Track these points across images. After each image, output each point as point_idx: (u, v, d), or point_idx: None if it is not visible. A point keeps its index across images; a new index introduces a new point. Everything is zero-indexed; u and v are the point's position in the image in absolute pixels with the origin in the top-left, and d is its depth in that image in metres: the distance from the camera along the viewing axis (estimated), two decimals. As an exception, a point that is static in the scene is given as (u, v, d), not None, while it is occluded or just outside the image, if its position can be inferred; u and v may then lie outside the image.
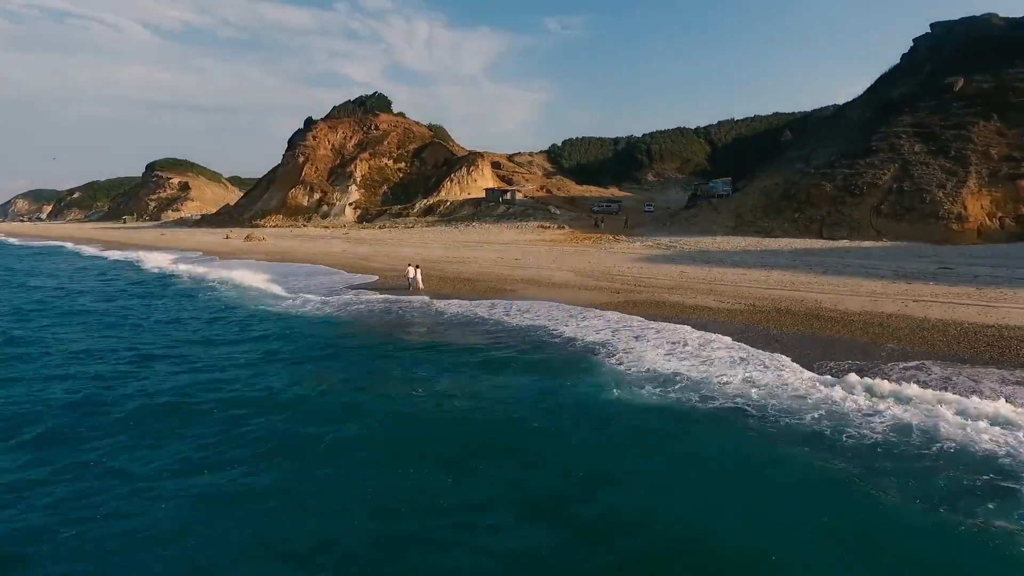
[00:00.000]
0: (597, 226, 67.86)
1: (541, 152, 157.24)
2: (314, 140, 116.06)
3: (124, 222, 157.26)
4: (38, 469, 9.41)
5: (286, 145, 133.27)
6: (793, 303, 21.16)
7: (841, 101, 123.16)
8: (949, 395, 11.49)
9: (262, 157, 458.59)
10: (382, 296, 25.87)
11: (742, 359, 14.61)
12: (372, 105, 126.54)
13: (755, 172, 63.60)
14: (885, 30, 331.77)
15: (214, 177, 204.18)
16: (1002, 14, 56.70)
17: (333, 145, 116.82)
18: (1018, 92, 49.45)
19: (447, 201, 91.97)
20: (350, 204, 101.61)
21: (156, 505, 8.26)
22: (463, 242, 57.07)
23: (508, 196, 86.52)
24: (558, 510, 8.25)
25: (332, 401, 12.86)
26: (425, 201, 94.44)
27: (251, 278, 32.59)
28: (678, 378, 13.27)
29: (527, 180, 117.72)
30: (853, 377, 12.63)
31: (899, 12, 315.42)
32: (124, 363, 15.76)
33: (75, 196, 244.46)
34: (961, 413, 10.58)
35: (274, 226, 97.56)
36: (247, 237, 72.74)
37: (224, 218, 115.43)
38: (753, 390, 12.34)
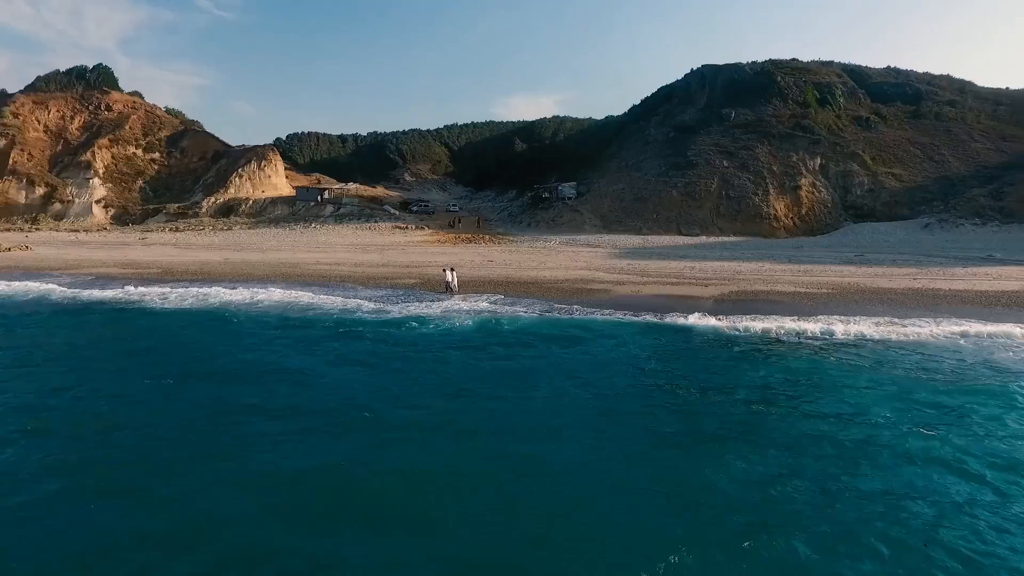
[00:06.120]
0: (452, 226, 68.58)
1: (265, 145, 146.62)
2: (16, 118, 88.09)
3: None
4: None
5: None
6: (848, 286, 27.60)
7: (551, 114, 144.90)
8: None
9: None
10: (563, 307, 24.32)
11: None
12: (96, 80, 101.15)
13: (588, 176, 72.31)
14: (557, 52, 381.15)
15: None
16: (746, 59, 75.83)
17: (47, 127, 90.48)
18: (772, 125, 67.34)
19: (247, 200, 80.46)
20: (96, 202, 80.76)
21: None
22: (353, 245, 52.25)
23: (327, 195, 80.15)
24: None
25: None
26: (213, 199, 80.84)
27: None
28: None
29: (286, 176, 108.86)
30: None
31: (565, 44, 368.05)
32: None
33: None
34: None
35: (-22, 231, 71.98)
36: (-13, 247, 53.17)
37: None
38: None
